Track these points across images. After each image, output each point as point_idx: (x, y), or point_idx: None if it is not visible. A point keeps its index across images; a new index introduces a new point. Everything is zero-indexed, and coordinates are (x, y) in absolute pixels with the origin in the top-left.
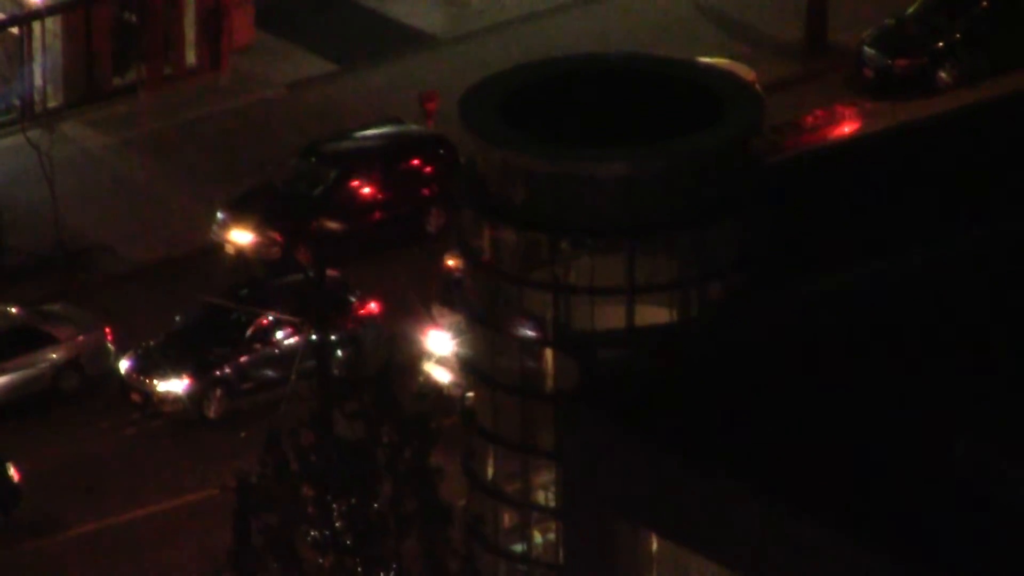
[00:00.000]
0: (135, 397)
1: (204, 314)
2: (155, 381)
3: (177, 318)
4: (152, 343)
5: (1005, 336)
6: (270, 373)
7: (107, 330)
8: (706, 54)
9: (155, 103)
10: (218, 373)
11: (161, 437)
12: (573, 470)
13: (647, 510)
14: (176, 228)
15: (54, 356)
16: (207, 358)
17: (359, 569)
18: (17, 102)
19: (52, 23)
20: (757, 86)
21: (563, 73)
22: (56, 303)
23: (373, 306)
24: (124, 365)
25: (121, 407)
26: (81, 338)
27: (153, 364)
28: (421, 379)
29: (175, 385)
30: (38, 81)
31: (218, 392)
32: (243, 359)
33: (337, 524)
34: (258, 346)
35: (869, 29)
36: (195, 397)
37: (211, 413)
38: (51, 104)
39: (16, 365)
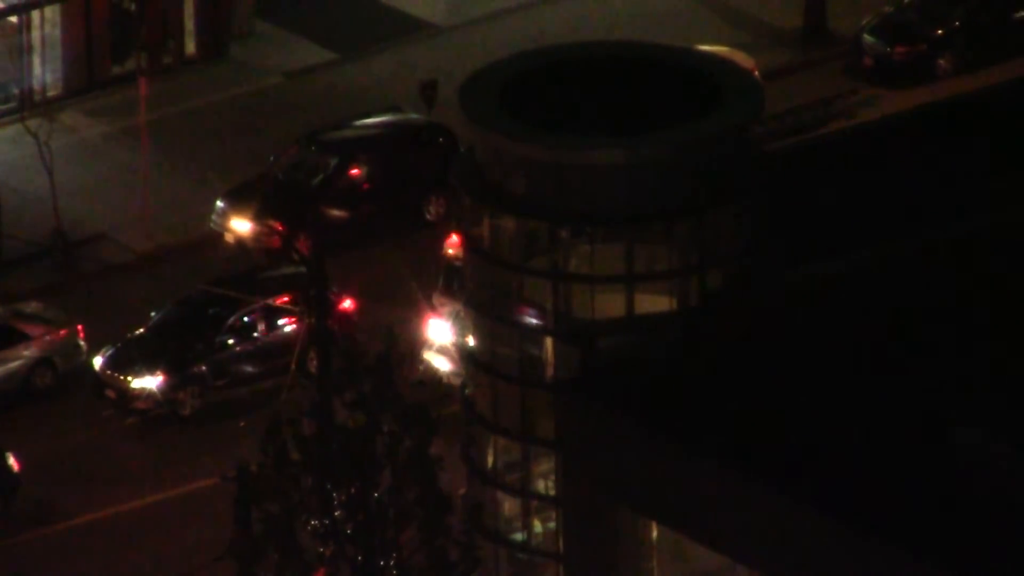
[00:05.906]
0: (110, 394)
1: (180, 309)
2: (129, 377)
3: (152, 313)
4: (128, 338)
5: (1004, 322)
6: (247, 368)
7: (80, 328)
8: (705, 42)
9: (154, 92)
10: (193, 370)
11: (158, 428)
12: (573, 459)
13: (647, 498)
14: (175, 217)
15: (27, 353)
16: (182, 354)
17: (359, 558)
18: (16, 91)
19: (51, 12)
20: (756, 74)
21: (563, 61)
22: (32, 301)
23: (348, 303)
24: (98, 361)
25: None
26: (54, 336)
27: (127, 360)
28: (421, 368)
29: (148, 382)
30: (37, 70)
31: (192, 389)
32: (219, 355)
33: (337, 513)
34: (234, 341)
35: (868, 17)
36: (168, 394)
37: (185, 411)
38: (50, 93)
39: None
